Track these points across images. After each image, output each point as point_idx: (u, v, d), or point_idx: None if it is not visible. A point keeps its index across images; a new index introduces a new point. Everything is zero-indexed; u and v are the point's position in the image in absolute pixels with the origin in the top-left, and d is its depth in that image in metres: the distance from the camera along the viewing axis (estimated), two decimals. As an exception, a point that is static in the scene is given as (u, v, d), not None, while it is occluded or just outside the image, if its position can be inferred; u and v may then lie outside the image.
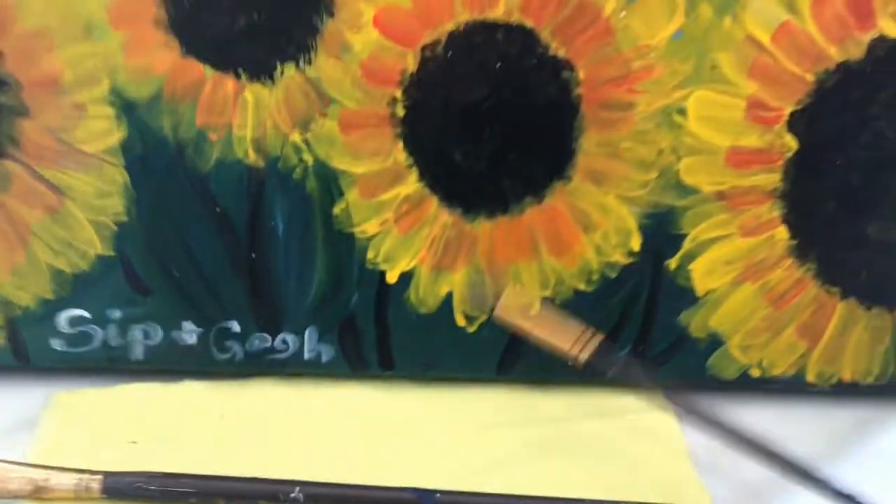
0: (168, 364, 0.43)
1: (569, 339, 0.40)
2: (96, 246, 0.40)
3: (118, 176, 0.39)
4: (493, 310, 0.41)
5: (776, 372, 0.44)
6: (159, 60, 0.38)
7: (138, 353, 0.42)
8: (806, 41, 0.38)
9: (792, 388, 0.44)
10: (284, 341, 0.43)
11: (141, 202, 0.40)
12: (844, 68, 0.39)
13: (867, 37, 0.38)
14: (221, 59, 0.38)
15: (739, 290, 0.42)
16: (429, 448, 0.40)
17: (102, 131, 0.39)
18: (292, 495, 0.35)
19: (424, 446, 0.40)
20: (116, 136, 0.39)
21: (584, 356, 0.40)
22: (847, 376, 0.44)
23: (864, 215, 0.41)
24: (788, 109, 0.39)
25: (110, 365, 0.42)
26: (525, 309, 0.41)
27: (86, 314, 0.42)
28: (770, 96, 0.39)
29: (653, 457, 0.40)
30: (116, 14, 0.37)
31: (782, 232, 0.41)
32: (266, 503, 0.36)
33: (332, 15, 0.37)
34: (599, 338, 0.40)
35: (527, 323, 0.41)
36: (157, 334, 0.42)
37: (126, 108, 0.38)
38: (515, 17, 0.38)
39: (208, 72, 0.38)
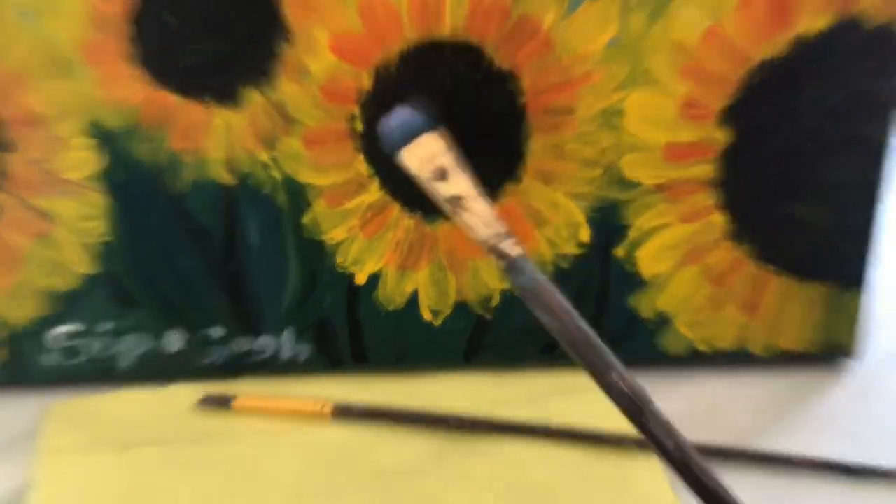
0: (155, 371, 0.44)
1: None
2: (84, 265, 0.42)
3: (101, 200, 0.41)
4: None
5: (721, 345, 0.46)
6: (132, 93, 0.39)
7: (127, 362, 0.44)
8: (730, 43, 0.41)
9: (736, 359, 0.47)
10: (264, 344, 0.45)
11: (124, 223, 0.41)
12: (768, 66, 0.41)
13: (787, 36, 0.41)
14: (189, 88, 0.40)
15: (683, 273, 0.45)
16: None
17: (84, 160, 0.40)
18: None
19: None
20: (97, 164, 0.40)
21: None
22: (786, 346, 0.47)
23: (792, 199, 0.44)
24: (719, 106, 0.42)
25: (101, 375, 0.44)
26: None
27: (76, 329, 0.43)
28: (701, 95, 0.42)
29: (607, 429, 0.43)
30: (90, 52, 0.39)
31: (719, 217, 0.44)
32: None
33: (290, 42, 0.39)
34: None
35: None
36: (144, 344, 0.44)
37: (105, 137, 0.40)
38: (461, 35, 0.40)
39: (178, 100, 0.40)
